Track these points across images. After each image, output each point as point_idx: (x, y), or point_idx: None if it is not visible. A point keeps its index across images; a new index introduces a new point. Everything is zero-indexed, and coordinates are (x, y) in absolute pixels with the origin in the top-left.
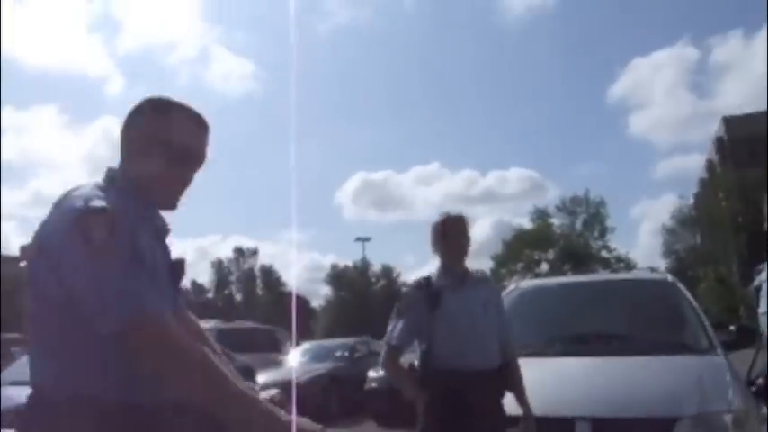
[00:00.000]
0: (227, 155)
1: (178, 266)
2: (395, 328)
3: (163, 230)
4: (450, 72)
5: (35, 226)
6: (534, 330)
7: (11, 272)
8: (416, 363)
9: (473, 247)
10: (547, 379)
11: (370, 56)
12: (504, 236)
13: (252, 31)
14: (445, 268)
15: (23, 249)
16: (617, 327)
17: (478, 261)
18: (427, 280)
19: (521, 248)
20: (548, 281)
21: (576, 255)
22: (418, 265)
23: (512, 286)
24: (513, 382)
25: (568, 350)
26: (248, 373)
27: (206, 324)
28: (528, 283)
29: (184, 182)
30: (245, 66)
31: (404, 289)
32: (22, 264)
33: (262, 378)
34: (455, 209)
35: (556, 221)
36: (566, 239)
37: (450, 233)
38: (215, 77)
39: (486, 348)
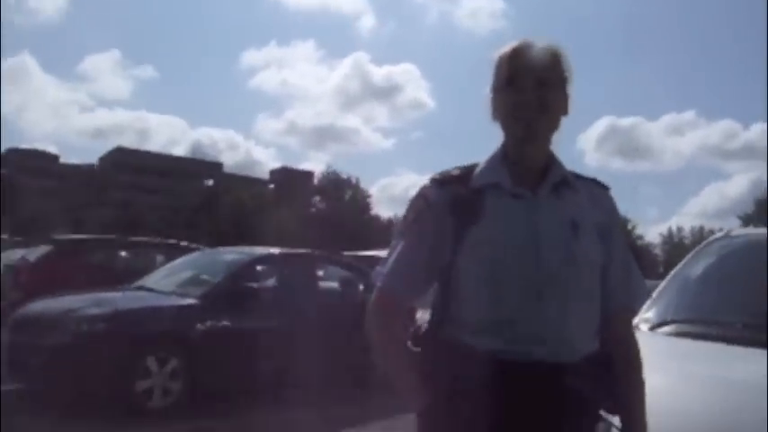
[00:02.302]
0: (474, 93)
1: None
2: (389, 258)
3: None
4: (711, 8)
5: (289, 153)
6: (733, 302)
7: (262, 192)
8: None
9: (722, 204)
10: (712, 384)
11: None
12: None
13: None
14: (504, 153)
15: (272, 173)
16: None
17: (726, 221)
18: (464, 171)
19: None
20: None
21: None
22: (661, 219)
23: (718, 234)
24: (623, 392)
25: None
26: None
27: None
28: (743, 232)
29: None
30: (495, 3)
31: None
32: (271, 186)
33: None
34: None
35: None
36: None
37: (521, 80)
38: (464, 14)
39: (567, 315)
